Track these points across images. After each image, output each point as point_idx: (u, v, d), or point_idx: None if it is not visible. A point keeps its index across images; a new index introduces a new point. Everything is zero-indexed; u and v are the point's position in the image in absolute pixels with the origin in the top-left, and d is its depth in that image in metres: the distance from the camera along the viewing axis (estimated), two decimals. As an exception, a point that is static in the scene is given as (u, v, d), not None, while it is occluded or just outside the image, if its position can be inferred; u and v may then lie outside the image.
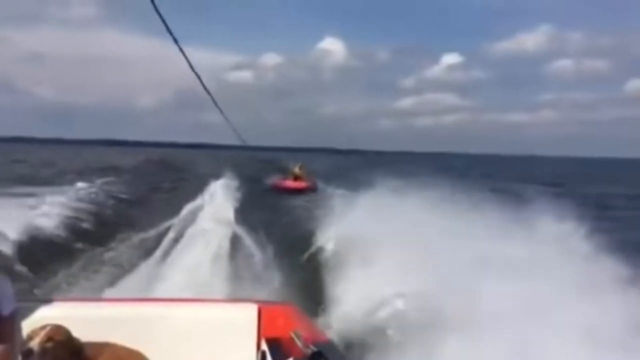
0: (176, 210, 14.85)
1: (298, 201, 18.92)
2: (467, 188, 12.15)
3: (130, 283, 8.52)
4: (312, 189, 24.62)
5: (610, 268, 6.74)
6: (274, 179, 27.25)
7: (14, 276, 7.61)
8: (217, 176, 24.95)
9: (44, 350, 2.22)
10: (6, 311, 2.59)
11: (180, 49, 3.17)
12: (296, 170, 27.34)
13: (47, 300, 3.10)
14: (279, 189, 25.02)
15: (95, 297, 7.21)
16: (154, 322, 2.96)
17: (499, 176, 43.11)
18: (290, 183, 25.60)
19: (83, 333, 2.42)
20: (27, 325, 2.51)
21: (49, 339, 2.25)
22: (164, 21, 2.75)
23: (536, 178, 42.70)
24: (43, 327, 2.30)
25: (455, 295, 5.83)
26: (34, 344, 2.22)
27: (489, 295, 5.70)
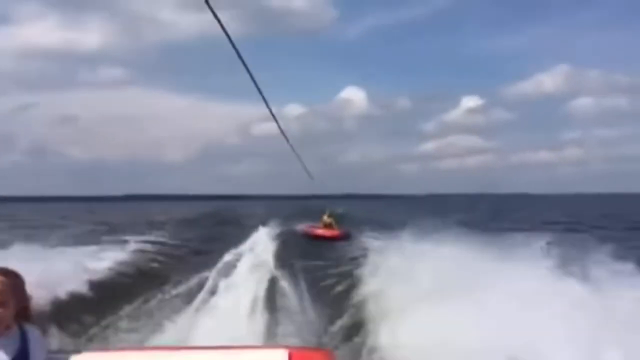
0: (217, 259, 15.14)
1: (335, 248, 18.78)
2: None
3: (169, 332, 8.67)
4: (344, 237, 24.26)
5: None
6: (305, 226, 27.25)
7: (52, 328, 7.88)
8: (256, 226, 25.28)
9: None
10: None
11: (265, 102, 3.43)
12: (325, 218, 27.49)
13: (78, 351, 3.13)
14: (310, 236, 25.07)
15: (126, 345, 7.28)
16: None
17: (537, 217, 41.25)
18: (321, 231, 25.82)
19: None
20: None
21: None
22: (252, 78, 2.99)
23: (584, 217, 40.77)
24: None
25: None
26: None
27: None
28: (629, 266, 8.11)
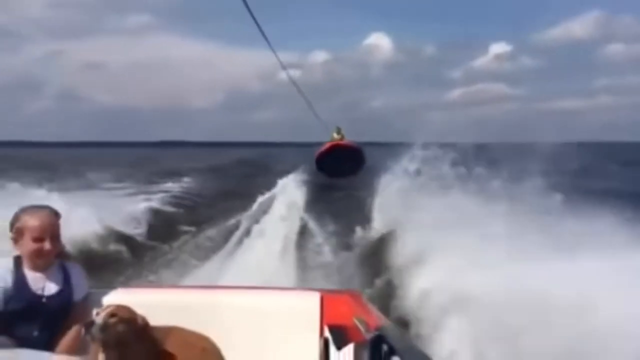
0: (248, 204, 15.29)
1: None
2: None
3: (202, 274, 8.80)
4: (358, 151, 23.87)
5: None
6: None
7: (93, 265, 8.08)
8: (286, 172, 25.30)
9: (106, 324, 2.26)
10: (78, 296, 2.75)
11: (273, 51, 3.28)
12: (334, 135, 26.08)
13: (117, 287, 3.19)
14: (323, 155, 24.16)
15: (159, 284, 7.45)
16: (219, 309, 2.98)
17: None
18: (331, 143, 24.45)
19: (151, 318, 2.44)
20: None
21: (112, 314, 2.29)
22: (259, 27, 2.82)
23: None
24: (108, 307, 2.36)
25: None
26: (98, 318, 2.28)
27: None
28: None
